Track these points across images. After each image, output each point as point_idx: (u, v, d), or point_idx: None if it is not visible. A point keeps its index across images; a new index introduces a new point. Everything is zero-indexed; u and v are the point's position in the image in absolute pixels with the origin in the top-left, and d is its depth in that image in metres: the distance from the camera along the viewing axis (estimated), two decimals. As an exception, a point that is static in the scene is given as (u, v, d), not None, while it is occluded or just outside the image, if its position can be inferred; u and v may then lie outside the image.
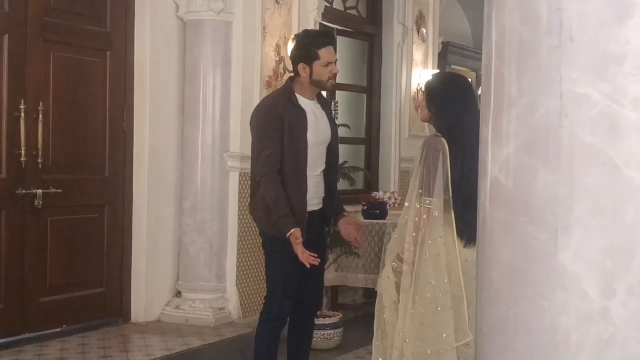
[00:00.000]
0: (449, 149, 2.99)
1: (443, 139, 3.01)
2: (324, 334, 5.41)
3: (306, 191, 3.65)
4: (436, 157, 2.98)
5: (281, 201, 3.58)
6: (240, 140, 5.26)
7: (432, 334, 2.97)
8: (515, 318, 1.59)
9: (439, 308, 2.96)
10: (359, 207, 6.23)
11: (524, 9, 1.54)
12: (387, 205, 6.24)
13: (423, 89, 3.36)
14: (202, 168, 5.21)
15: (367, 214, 6.16)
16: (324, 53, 3.70)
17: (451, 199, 2.96)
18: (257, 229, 5.51)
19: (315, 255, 3.56)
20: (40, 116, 4.49)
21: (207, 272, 5.21)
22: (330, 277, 5.94)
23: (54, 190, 4.57)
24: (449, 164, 2.97)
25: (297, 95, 3.70)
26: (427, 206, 2.96)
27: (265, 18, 5.45)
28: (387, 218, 6.13)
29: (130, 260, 5.09)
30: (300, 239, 3.54)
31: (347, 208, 5.81)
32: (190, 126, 5.22)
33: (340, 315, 5.62)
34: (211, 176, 5.21)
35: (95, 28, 4.88)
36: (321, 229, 3.84)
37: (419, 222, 2.97)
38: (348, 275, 6.03)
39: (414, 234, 2.98)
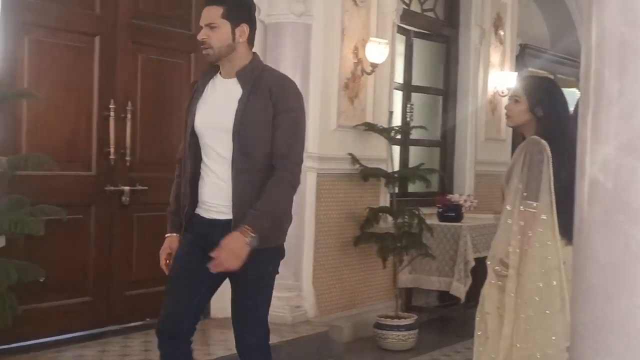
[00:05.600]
0: (553, 151, 2.98)
1: (545, 142, 3.00)
2: (399, 335, 5.43)
3: (189, 190, 2.93)
4: (540, 160, 2.96)
5: (171, 194, 3.09)
6: (319, 140, 5.34)
7: (541, 337, 2.95)
8: (612, 318, 1.59)
9: (547, 311, 2.94)
10: (434, 210, 6.23)
11: (625, 10, 1.54)
12: (463, 208, 6.23)
13: (516, 93, 3.25)
14: (280, 168, 5.28)
15: (442, 217, 6.16)
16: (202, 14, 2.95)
17: (554, 201, 2.95)
18: (333, 228, 5.64)
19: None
20: (129, 116, 4.65)
21: (284, 270, 5.23)
22: (405, 279, 5.96)
23: (140, 187, 4.72)
24: (551, 167, 2.95)
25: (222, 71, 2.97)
26: (533, 210, 2.95)
27: (344, 20, 5.51)
28: (462, 221, 6.12)
29: (210, 257, 5.20)
30: (167, 248, 3.03)
31: (423, 210, 5.89)
32: (270, 127, 5.31)
33: (416, 317, 5.63)
34: (289, 176, 5.28)
35: (181, 30, 5.03)
36: None
37: (524, 225, 2.96)
38: (422, 277, 6.03)
39: (519, 237, 2.97)
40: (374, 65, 5.66)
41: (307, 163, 5.30)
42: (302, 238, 5.33)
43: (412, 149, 6.79)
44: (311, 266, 5.37)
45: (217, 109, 2.90)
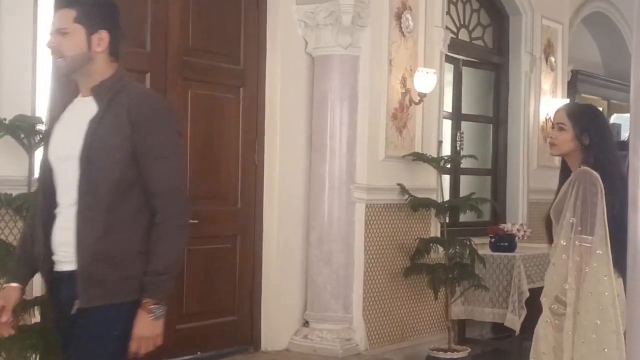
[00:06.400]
0: (604, 181, 2.90)
1: (597, 174, 2.92)
2: (452, 368, 5.33)
3: (42, 235, 2.42)
4: (594, 193, 2.87)
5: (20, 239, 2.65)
6: (367, 171, 5.32)
7: None
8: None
9: (606, 349, 2.84)
10: (486, 240, 6.13)
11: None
12: (516, 237, 6.11)
13: (561, 120, 3.15)
14: (328, 199, 5.29)
15: (494, 247, 6.05)
16: None
17: (608, 234, 2.87)
18: (382, 259, 5.60)
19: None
20: (179, 150, 4.70)
21: (334, 302, 5.26)
22: (457, 311, 5.86)
23: (191, 221, 4.75)
24: (604, 198, 2.87)
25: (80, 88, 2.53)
26: (588, 244, 2.87)
27: (391, 51, 5.51)
28: (515, 251, 6.00)
29: (261, 290, 5.22)
30: (7, 304, 2.44)
31: (475, 240, 5.81)
32: (318, 158, 5.33)
33: (469, 349, 5.52)
34: (338, 207, 5.28)
35: (230, 66, 5.09)
36: (70, 305, 2.38)
37: (580, 261, 2.88)
38: (475, 309, 5.93)
39: (575, 273, 2.89)
40: (422, 95, 5.64)
41: (356, 194, 5.30)
42: (351, 269, 5.30)
43: (463, 178, 6.72)
44: (361, 298, 5.33)
45: (67, 134, 2.42)
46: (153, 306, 2.32)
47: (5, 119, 3.32)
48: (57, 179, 2.42)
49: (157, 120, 2.40)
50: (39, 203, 2.48)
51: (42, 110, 3.78)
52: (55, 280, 2.42)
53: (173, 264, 2.40)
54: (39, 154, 3.48)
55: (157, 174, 2.36)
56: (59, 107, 2.51)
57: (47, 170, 2.45)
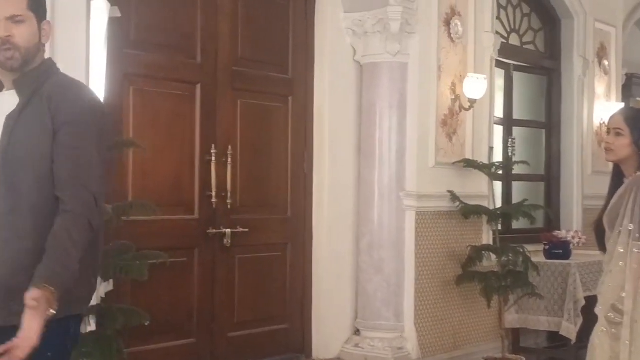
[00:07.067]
0: None
1: None
2: (506, 378, 5.25)
3: None
4: None
5: None
6: (417, 178, 5.30)
7: None
8: None
9: None
10: (540, 247, 6.04)
11: None
12: (571, 245, 6.00)
13: (618, 125, 3.08)
14: (378, 207, 5.27)
15: (548, 254, 5.96)
16: None
17: None
18: (434, 267, 5.56)
19: None
20: (229, 160, 4.75)
21: (385, 310, 5.24)
22: (511, 319, 5.78)
23: (241, 229, 4.80)
24: None
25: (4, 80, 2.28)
26: None
27: (440, 57, 5.48)
28: (570, 258, 5.89)
29: (311, 298, 5.22)
30: None
31: (528, 247, 5.72)
32: (367, 166, 5.32)
33: (524, 358, 5.44)
34: (388, 215, 5.27)
35: (279, 75, 5.13)
36: None
37: (638, 269, 2.80)
38: (529, 317, 5.84)
39: (633, 281, 2.80)
40: (473, 101, 5.59)
41: (406, 201, 5.27)
42: (402, 277, 5.28)
43: (515, 185, 6.63)
44: (412, 306, 5.29)
45: None
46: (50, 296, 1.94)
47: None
48: None
49: (74, 109, 2.13)
50: None
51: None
52: None
53: (71, 264, 2.02)
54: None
55: (62, 163, 2.08)
56: None
57: None
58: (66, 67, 3.61)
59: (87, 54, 3.76)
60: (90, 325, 3.50)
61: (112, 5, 3.93)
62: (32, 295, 1.91)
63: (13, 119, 2.12)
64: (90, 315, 3.41)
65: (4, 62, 2.14)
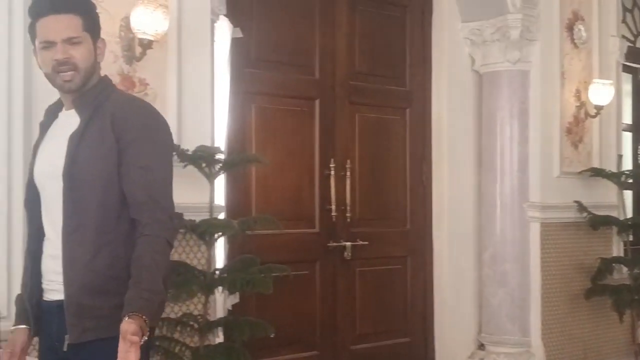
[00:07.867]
0: None
1: None
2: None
3: (30, 263, 2.22)
4: None
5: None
6: (541, 189, 5.15)
7: None
8: None
9: None
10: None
11: None
12: None
13: None
14: (500, 219, 5.16)
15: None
16: (40, 28, 2.17)
17: None
18: (561, 280, 5.37)
19: None
20: (348, 173, 4.79)
21: (510, 325, 5.10)
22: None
23: (361, 242, 4.82)
24: None
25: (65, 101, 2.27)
26: None
27: (564, 64, 5.33)
28: None
29: (433, 311, 5.17)
30: (9, 345, 2.21)
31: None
32: (488, 177, 5.22)
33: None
34: (511, 227, 5.14)
35: (396, 88, 5.12)
36: (60, 341, 2.12)
37: None
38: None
39: None
40: (599, 108, 5.40)
41: (530, 213, 5.14)
42: (527, 291, 5.13)
43: (647, 193, 6.33)
44: (539, 320, 5.14)
45: (50, 153, 2.18)
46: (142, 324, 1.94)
47: (188, 150, 3.53)
48: (43, 202, 2.19)
49: (142, 127, 2.14)
50: (29, 228, 2.25)
51: (220, 140, 3.99)
52: (45, 313, 2.17)
53: (159, 285, 2.03)
54: (218, 181, 3.68)
55: (138, 184, 2.08)
56: (44, 125, 2.28)
57: (33, 194, 2.21)
58: (192, 88, 3.80)
59: (212, 75, 3.91)
60: (219, 337, 3.61)
61: (234, 26, 4.06)
62: (131, 331, 1.91)
63: (76, 138, 2.13)
64: (218, 327, 3.52)
65: (62, 85, 2.16)
